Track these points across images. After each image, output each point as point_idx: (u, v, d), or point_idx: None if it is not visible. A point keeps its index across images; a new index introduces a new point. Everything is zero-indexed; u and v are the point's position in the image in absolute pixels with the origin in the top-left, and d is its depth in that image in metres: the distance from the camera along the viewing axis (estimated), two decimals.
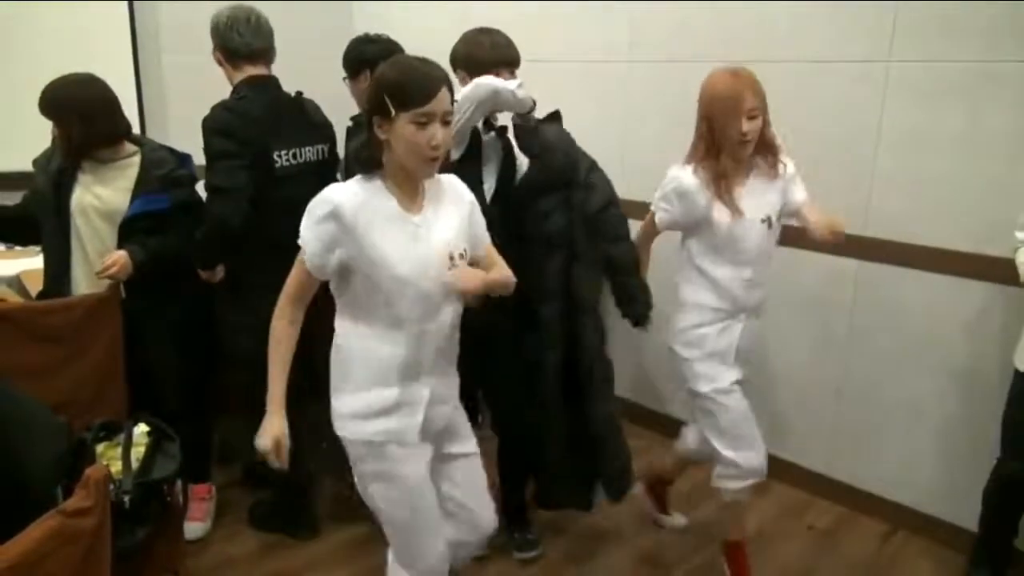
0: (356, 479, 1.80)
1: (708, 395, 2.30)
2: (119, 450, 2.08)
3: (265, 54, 2.54)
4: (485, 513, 1.91)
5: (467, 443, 1.89)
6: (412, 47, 2.81)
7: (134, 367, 2.54)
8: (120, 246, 2.44)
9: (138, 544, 1.99)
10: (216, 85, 2.54)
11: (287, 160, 2.50)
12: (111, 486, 1.87)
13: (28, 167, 2.58)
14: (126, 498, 1.93)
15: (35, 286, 2.81)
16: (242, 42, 2.47)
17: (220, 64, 2.55)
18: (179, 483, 2.14)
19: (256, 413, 2.63)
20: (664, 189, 2.29)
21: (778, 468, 3.17)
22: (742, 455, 2.30)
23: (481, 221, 1.84)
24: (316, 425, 3.00)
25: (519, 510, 2.71)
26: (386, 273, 1.63)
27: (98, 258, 2.43)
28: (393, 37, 2.72)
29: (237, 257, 2.54)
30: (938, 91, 2.59)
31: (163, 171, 2.51)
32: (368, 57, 2.65)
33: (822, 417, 3.06)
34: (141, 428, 2.19)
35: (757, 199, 2.25)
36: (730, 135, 2.13)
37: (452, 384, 1.87)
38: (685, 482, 2.91)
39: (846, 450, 3.01)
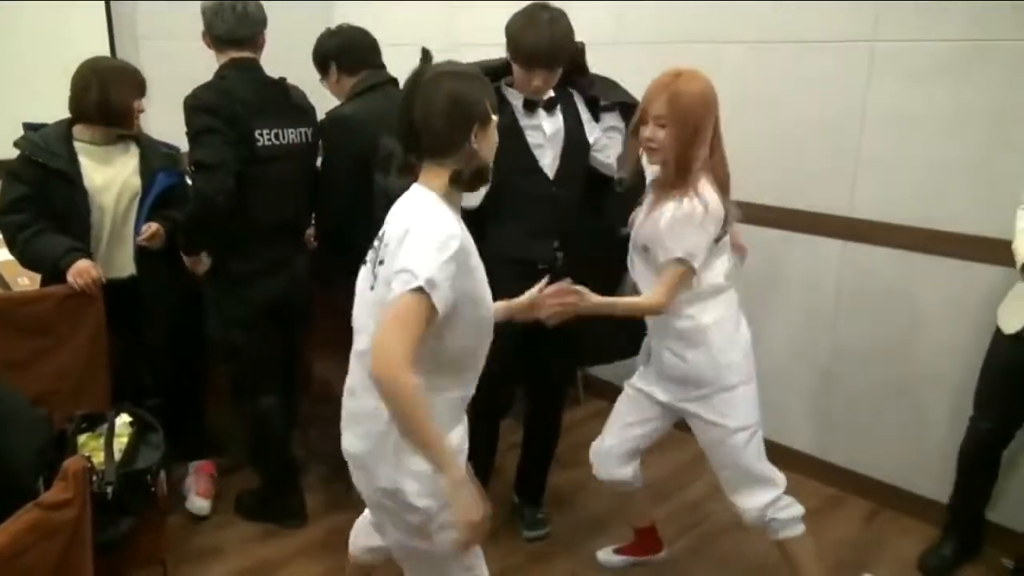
0: (409, 540, 1.60)
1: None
2: (102, 441, 2.06)
3: (251, 41, 2.51)
4: None
5: None
6: (391, 41, 2.82)
7: (135, 347, 2.63)
8: (139, 222, 2.55)
9: (122, 535, 1.98)
10: (195, 71, 2.50)
11: (269, 140, 2.48)
12: (94, 477, 1.86)
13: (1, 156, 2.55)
14: (109, 489, 1.93)
15: (12, 276, 2.78)
16: (226, 28, 2.46)
17: (209, 47, 2.54)
18: (163, 473, 2.13)
19: (243, 402, 2.66)
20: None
21: (766, 449, 3.18)
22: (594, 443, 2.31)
23: None
24: (305, 414, 3.03)
25: (535, 488, 2.75)
26: (487, 315, 1.56)
27: (114, 236, 2.54)
28: (377, 35, 2.71)
29: (222, 243, 2.52)
30: (923, 70, 2.59)
31: (163, 149, 2.62)
32: (328, 50, 2.66)
33: (809, 399, 3.07)
34: (124, 418, 2.18)
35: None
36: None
37: None
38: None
39: (833, 431, 3.02)
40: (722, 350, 2.06)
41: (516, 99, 2.33)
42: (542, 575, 2.53)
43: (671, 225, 1.94)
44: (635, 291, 2.13)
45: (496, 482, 2.77)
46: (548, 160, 2.36)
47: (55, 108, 2.58)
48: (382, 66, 2.70)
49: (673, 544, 2.65)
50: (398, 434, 1.43)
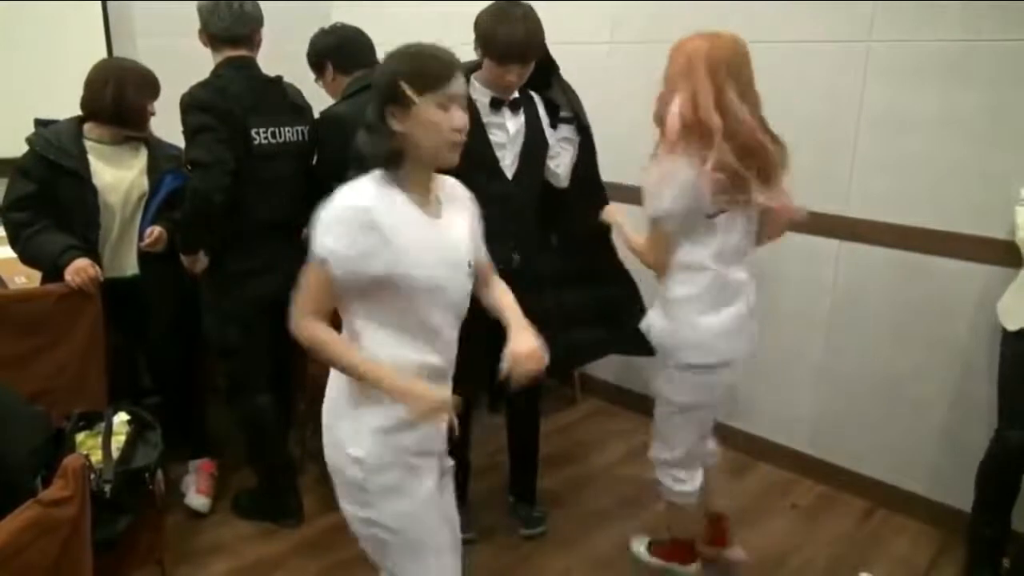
0: (355, 508, 1.62)
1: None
2: (100, 439, 2.06)
3: (247, 40, 2.51)
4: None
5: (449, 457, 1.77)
6: (387, 41, 2.82)
7: (134, 346, 2.66)
8: (145, 223, 2.58)
9: (120, 533, 1.98)
10: (192, 69, 2.51)
11: (265, 138, 2.48)
12: (92, 475, 1.86)
13: (3, 155, 2.56)
14: (107, 487, 1.92)
15: (10, 274, 2.77)
16: (222, 27, 2.46)
17: (205, 45, 2.54)
18: (161, 472, 2.13)
19: (239, 401, 2.66)
20: None
21: (762, 448, 3.20)
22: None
23: (481, 228, 1.73)
24: (301, 413, 3.02)
25: (526, 486, 2.76)
26: (423, 283, 1.52)
27: (119, 235, 2.56)
28: (373, 35, 2.72)
29: (219, 241, 2.53)
30: (918, 70, 2.60)
31: (171, 151, 2.63)
32: (322, 49, 2.67)
33: (805, 397, 3.08)
34: (121, 417, 2.17)
35: None
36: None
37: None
38: None
39: (829, 429, 3.04)
40: (682, 327, 2.10)
41: (483, 96, 2.32)
42: (539, 572, 2.54)
43: (646, 183, 2.02)
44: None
45: (494, 480, 2.78)
46: (508, 160, 2.37)
47: (51, 106, 2.59)
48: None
49: None
50: (336, 394, 1.60)
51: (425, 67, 1.49)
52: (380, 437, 1.55)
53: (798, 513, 2.89)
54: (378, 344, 1.55)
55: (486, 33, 2.22)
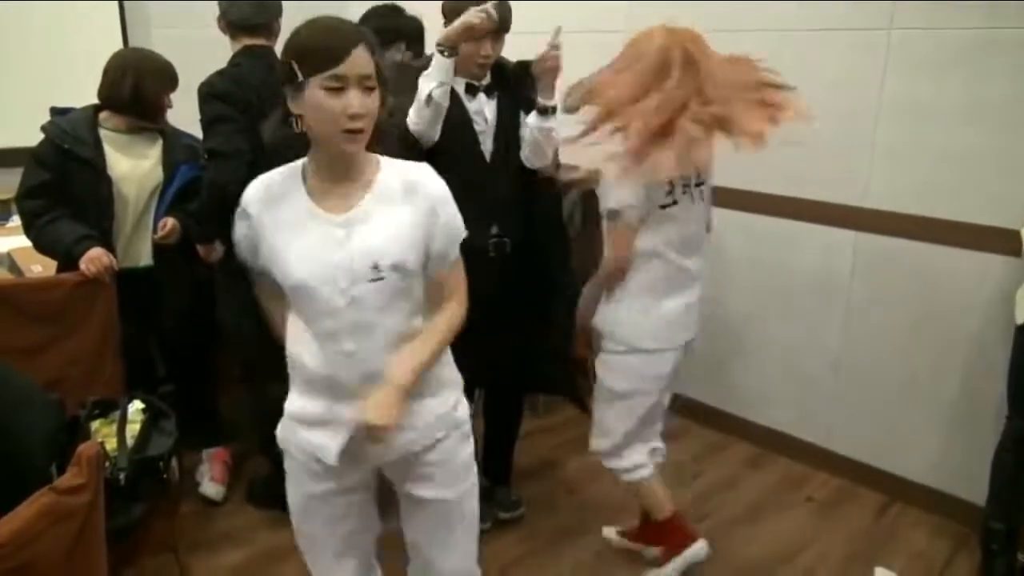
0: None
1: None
2: (114, 427, 2.07)
3: (265, 28, 2.51)
4: (447, 565, 1.64)
5: (442, 488, 1.57)
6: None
7: (148, 335, 2.67)
8: (159, 214, 2.57)
9: (135, 521, 1.99)
10: (207, 59, 2.50)
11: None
12: (107, 463, 1.87)
13: (14, 143, 2.56)
14: (122, 475, 1.93)
15: (27, 263, 2.79)
16: (241, 15, 2.47)
17: (224, 32, 2.54)
18: (175, 460, 2.13)
19: (255, 389, 2.66)
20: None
21: (777, 441, 3.18)
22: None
23: (449, 232, 1.48)
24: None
25: (503, 470, 2.75)
26: (286, 281, 1.42)
27: (134, 225, 2.56)
28: None
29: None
30: (940, 59, 2.56)
31: (186, 141, 2.62)
32: (397, 27, 2.72)
33: (821, 389, 3.05)
34: (136, 405, 2.18)
35: None
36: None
37: (417, 412, 1.50)
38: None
39: (845, 422, 3.01)
40: (633, 314, 2.14)
41: (459, 84, 2.30)
42: (551, 563, 2.53)
43: (606, 177, 2.05)
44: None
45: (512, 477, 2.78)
46: (489, 145, 2.36)
47: (68, 95, 2.59)
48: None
49: None
50: None
51: (314, 45, 1.34)
52: (286, 421, 1.57)
53: (814, 506, 2.87)
54: (289, 338, 1.52)
55: (456, 10, 2.22)
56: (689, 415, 3.43)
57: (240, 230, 1.50)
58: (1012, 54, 2.42)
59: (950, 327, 2.67)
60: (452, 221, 1.48)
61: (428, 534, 1.61)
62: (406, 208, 1.44)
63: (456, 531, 1.61)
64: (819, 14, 2.79)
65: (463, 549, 1.64)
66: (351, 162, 1.43)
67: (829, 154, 2.84)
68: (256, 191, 1.48)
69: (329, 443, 1.47)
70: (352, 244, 1.40)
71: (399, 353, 1.44)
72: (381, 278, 1.40)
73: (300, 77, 1.34)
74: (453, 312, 1.52)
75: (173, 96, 2.60)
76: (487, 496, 2.69)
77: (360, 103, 1.34)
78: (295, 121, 1.42)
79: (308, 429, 1.51)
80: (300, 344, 1.47)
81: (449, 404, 1.57)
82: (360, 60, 1.33)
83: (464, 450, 1.60)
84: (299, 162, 1.49)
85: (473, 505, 1.64)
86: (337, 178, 1.44)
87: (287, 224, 1.43)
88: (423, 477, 1.56)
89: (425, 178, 1.47)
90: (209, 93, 2.39)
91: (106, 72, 2.50)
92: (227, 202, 2.39)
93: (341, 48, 1.32)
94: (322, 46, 1.33)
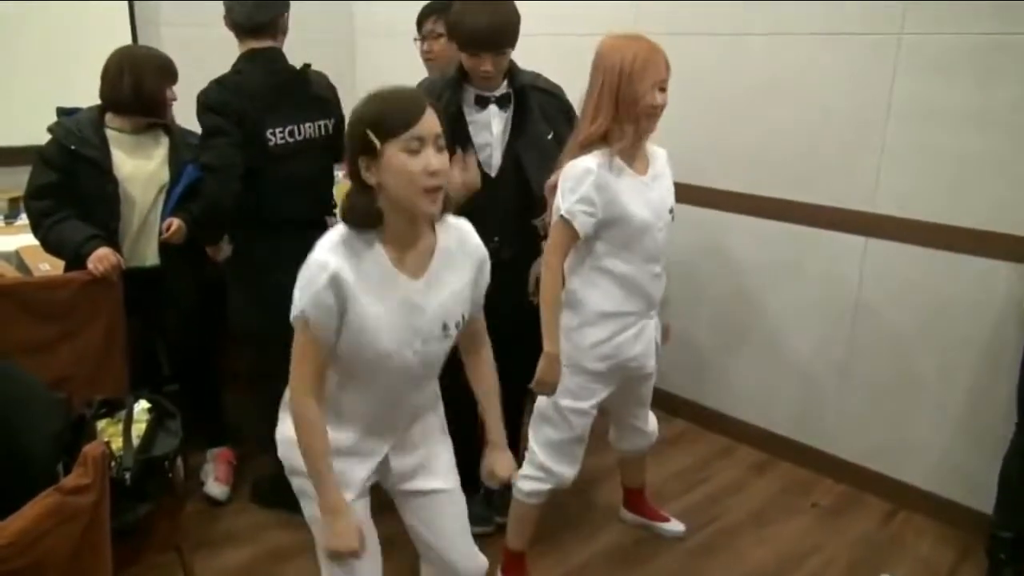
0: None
1: (563, 408, 2.16)
2: (120, 426, 2.07)
3: (270, 27, 2.47)
4: (457, 556, 1.74)
5: (439, 479, 1.72)
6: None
7: (154, 334, 2.68)
8: (165, 214, 2.56)
9: (140, 520, 1.98)
10: (218, 57, 2.50)
11: (283, 138, 2.47)
12: (112, 463, 1.87)
13: (25, 142, 2.57)
14: (127, 475, 1.93)
15: (34, 261, 2.79)
16: (243, 14, 2.44)
17: (231, 30, 2.53)
18: (180, 460, 2.13)
19: (262, 389, 2.66)
20: (578, 187, 1.96)
21: (783, 447, 3.17)
22: (561, 468, 2.22)
23: (486, 282, 1.64)
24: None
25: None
26: (370, 346, 1.48)
27: (140, 225, 2.56)
28: (400, 29, 2.72)
29: (240, 236, 2.53)
30: (950, 63, 2.54)
31: (192, 140, 2.60)
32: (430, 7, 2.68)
33: (827, 395, 3.04)
34: (142, 405, 2.18)
35: (661, 184, 2.11)
36: (642, 108, 1.95)
37: (428, 425, 1.72)
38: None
39: (851, 429, 3.00)
40: (587, 329, 2.11)
41: (468, 95, 2.29)
42: (555, 565, 2.53)
43: (561, 179, 2.01)
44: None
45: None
46: (496, 160, 2.32)
47: (78, 95, 2.60)
48: None
49: (689, 539, 2.65)
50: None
51: (388, 111, 1.39)
52: (289, 446, 1.60)
53: (819, 512, 2.86)
54: (333, 383, 1.55)
55: (454, 24, 2.21)
56: (695, 420, 3.43)
57: (326, 299, 1.44)
58: (1021, 59, 2.40)
59: (958, 334, 2.66)
60: (488, 272, 1.64)
61: (434, 526, 1.73)
62: (463, 269, 1.57)
63: (455, 523, 1.75)
64: (828, 17, 2.78)
65: (468, 543, 1.77)
66: (421, 226, 1.50)
67: (837, 159, 2.83)
68: (343, 258, 1.45)
69: (356, 468, 1.62)
70: (430, 308, 1.52)
71: (491, 415, 1.72)
72: (449, 336, 1.56)
73: (378, 144, 1.38)
74: (491, 357, 1.73)
75: (180, 92, 2.60)
76: (488, 500, 2.71)
77: (438, 161, 1.40)
78: (367, 192, 1.44)
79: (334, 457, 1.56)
80: (352, 392, 1.57)
81: (441, 413, 1.77)
82: (432, 120, 1.40)
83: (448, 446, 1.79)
84: (369, 232, 1.48)
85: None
86: (411, 243, 1.50)
87: (373, 288, 1.47)
88: (430, 471, 1.72)
89: (471, 235, 1.60)
90: (204, 103, 2.39)
91: (104, 73, 2.49)
92: (222, 214, 2.41)
93: (417, 109, 1.39)
94: (399, 109, 1.39)
